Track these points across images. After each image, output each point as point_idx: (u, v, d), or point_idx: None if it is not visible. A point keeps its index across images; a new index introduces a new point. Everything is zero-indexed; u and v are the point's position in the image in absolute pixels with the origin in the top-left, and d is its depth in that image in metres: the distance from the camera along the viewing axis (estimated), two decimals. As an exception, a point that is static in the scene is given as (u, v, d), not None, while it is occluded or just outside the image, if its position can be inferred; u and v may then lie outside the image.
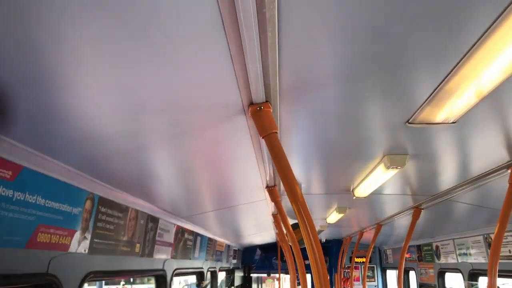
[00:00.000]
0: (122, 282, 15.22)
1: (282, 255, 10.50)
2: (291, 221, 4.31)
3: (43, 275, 2.37)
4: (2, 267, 2.08)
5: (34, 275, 2.31)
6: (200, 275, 6.83)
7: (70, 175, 2.43)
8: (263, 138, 1.98)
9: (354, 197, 4.27)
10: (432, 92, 1.91)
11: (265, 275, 12.65)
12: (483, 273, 5.78)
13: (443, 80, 1.79)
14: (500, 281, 3.96)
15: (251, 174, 3.48)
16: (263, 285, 13.68)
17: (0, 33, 1.23)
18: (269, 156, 2.86)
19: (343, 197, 4.85)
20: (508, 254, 4.78)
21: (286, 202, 4.36)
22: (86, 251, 2.76)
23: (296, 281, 7.03)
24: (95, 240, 2.85)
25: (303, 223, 1.97)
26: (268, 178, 3.57)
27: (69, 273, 2.63)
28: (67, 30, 1.27)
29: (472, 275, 6.04)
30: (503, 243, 4.78)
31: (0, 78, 1.50)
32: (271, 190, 3.77)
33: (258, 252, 11.92)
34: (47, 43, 1.32)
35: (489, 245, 5.34)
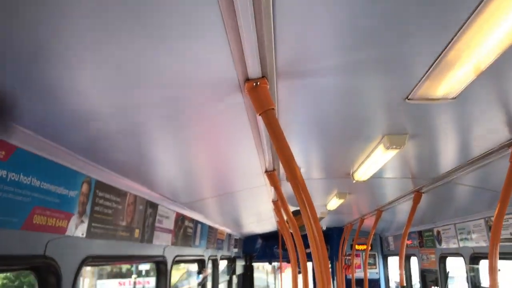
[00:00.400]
0: (134, 275, 15.34)
1: (283, 244, 10.53)
2: (291, 208, 4.29)
3: (40, 257, 2.35)
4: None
5: (31, 256, 2.30)
6: (201, 263, 6.83)
7: (65, 157, 2.40)
8: (260, 115, 1.95)
9: (354, 181, 4.25)
10: (432, 65, 1.88)
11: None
12: (484, 256, 5.77)
13: (442, 52, 1.76)
14: (502, 263, 3.94)
15: (250, 158, 3.45)
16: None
17: None
18: (267, 139, 2.83)
19: (343, 181, 4.82)
20: (509, 236, 4.76)
21: (286, 188, 4.35)
22: (84, 235, 2.74)
23: (297, 270, 7.04)
24: (93, 224, 2.83)
25: (303, 206, 1.94)
26: (267, 162, 3.54)
27: (67, 256, 2.62)
28: (62, 5, 1.23)
29: (474, 259, 6.04)
30: (504, 226, 4.77)
31: None
32: (271, 174, 3.74)
33: (259, 241, 11.95)
34: (44, 20, 1.29)
35: (490, 228, 5.33)
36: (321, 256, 1.91)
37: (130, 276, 15.65)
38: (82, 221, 2.69)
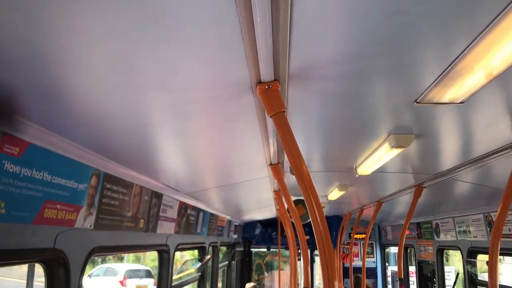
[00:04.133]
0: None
1: (282, 230, 10.63)
2: (292, 198, 4.35)
3: (50, 250, 2.39)
4: (11, 242, 2.09)
5: (41, 250, 2.34)
6: (202, 250, 6.91)
7: (76, 151, 2.43)
8: (271, 116, 1.97)
9: (357, 175, 4.29)
10: (442, 72, 1.89)
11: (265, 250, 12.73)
12: (482, 250, 5.85)
13: (454, 61, 1.77)
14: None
15: (255, 152, 3.48)
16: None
17: (8, 9, 1.21)
18: (273, 134, 2.86)
19: (346, 174, 4.86)
20: (508, 232, 4.82)
21: (288, 180, 4.39)
22: (92, 226, 2.78)
23: (297, 256, 7.14)
24: (101, 216, 2.87)
25: (309, 200, 1.98)
26: (272, 156, 3.57)
27: (75, 248, 2.66)
28: (75, 6, 1.24)
29: (471, 253, 6.11)
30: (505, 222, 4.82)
31: (7, 56, 1.48)
32: (275, 167, 3.78)
33: (259, 227, 12.04)
34: (56, 19, 1.30)
35: (489, 223, 5.39)
36: (325, 244, 1.95)
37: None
38: (90, 213, 2.73)
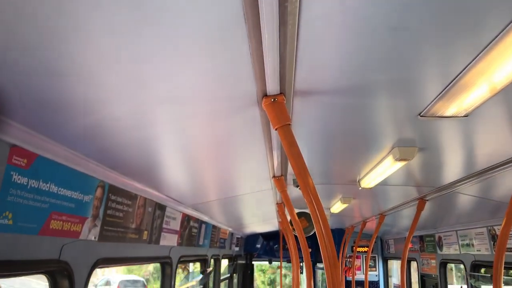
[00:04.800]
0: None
1: (284, 243, 10.58)
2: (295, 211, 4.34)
3: (55, 261, 2.40)
4: (17, 253, 2.10)
5: (46, 261, 2.34)
6: (204, 262, 6.89)
7: (82, 163, 2.45)
8: (276, 129, 1.99)
9: (360, 188, 4.29)
10: (446, 87, 1.91)
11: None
12: (486, 264, 5.82)
13: (457, 76, 1.79)
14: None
15: (259, 164, 3.49)
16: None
17: (18, 18, 1.24)
18: (278, 147, 2.87)
19: (349, 187, 4.86)
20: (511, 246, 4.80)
21: (290, 191, 4.39)
22: (96, 238, 2.79)
23: (299, 269, 7.11)
24: (105, 227, 2.88)
25: (314, 212, 1.99)
26: (275, 168, 3.58)
27: (80, 259, 2.66)
28: (85, 18, 1.27)
29: (474, 266, 6.08)
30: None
31: (15, 67, 1.50)
32: (278, 180, 3.78)
33: (261, 240, 11.99)
34: (65, 31, 1.33)
35: (492, 237, 5.37)
36: (330, 256, 1.96)
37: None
38: (95, 225, 2.74)
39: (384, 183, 4.19)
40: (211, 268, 7.06)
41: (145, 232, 3.69)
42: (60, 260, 2.44)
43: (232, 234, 9.02)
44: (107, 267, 3.03)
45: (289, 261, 11.00)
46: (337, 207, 6.31)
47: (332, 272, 1.93)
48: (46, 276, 2.48)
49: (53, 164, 2.19)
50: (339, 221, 9.51)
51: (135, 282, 21.66)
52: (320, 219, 1.97)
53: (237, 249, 10.41)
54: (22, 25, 1.26)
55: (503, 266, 3.17)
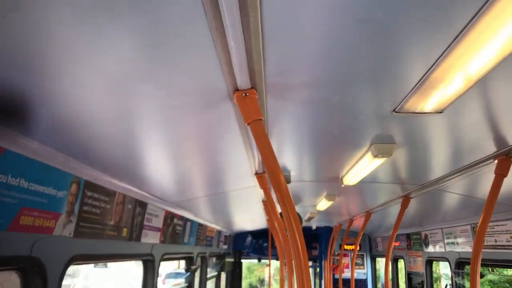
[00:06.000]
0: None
1: (273, 242, 10.58)
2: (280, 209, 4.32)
3: (26, 258, 2.35)
4: None
5: (16, 257, 2.30)
6: (189, 260, 6.86)
7: (54, 158, 2.41)
8: (248, 124, 1.97)
9: (343, 185, 4.28)
10: (419, 80, 1.90)
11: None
12: (469, 262, 5.84)
13: (430, 68, 1.78)
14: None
15: (240, 161, 3.47)
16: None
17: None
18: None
19: (332, 184, 4.86)
20: (493, 243, 4.82)
21: (275, 189, 4.37)
22: (72, 234, 2.75)
23: (284, 267, 7.11)
24: (81, 224, 2.84)
25: (286, 211, 1.98)
26: (257, 165, 3.56)
27: (54, 256, 2.62)
28: (48, 10, 1.24)
29: (459, 264, 6.11)
30: (489, 233, 4.83)
31: None
32: (260, 177, 3.77)
33: (249, 238, 11.97)
34: (32, 26, 1.30)
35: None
36: (302, 256, 1.95)
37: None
38: (70, 221, 2.70)
39: (367, 181, 4.18)
40: (196, 266, 7.03)
41: (125, 229, 3.65)
42: (32, 256, 2.40)
43: (219, 232, 8.99)
44: (84, 263, 2.98)
45: (278, 259, 11.01)
46: (323, 204, 6.31)
47: (302, 272, 1.92)
48: (17, 273, 2.44)
49: (22, 159, 2.15)
50: (327, 219, 9.53)
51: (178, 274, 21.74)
52: (291, 217, 1.96)
53: (225, 247, 10.38)
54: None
55: (480, 262, 3.18)
